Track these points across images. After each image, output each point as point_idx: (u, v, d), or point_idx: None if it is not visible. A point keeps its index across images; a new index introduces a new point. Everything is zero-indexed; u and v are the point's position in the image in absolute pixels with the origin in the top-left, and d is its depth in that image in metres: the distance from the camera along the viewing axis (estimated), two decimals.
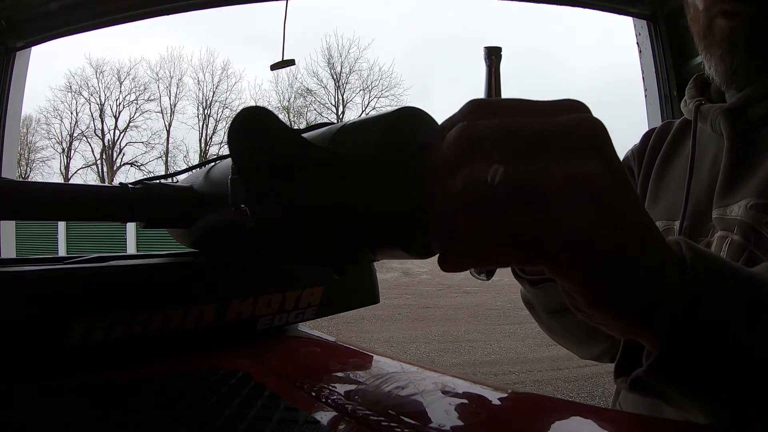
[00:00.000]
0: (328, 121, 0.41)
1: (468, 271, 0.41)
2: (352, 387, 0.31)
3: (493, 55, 0.36)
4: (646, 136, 0.59)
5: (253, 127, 0.27)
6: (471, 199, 0.20)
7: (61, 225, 9.46)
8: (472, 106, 0.22)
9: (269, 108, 0.27)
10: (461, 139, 0.21)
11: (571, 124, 0.21)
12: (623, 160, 0.61)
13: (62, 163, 15.94)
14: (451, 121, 0.23)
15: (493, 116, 0.22)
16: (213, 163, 0.41)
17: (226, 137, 0.28)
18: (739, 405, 0.23)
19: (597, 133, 0.21)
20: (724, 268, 0.23)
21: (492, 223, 0.20)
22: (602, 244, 0.20)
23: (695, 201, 0.48)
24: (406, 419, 0.25)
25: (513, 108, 0.22)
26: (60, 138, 15.80)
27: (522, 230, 0.20)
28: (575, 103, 0.22)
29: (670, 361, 0.23)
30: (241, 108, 0.27)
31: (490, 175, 0.20)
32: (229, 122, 0.27)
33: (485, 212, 0.20)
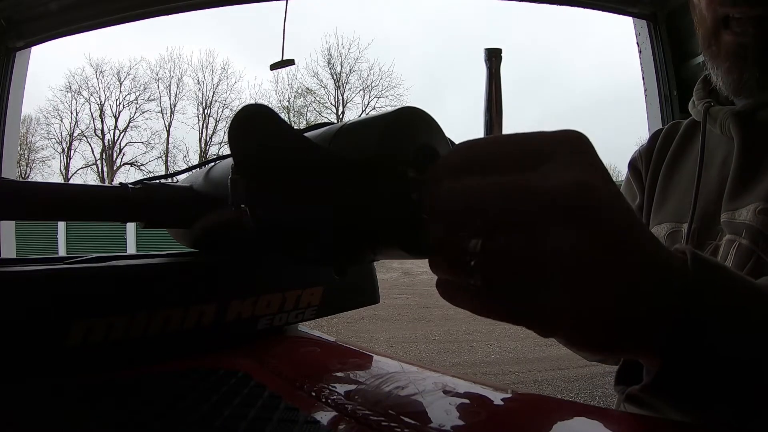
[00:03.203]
0: (328, 121, 0.41)
1: None
2: (352, 387, 0.31)
3: (493, 57, 0.36)
4: (654, 137, 0.59)
5: (255, 125, 0.26)
6: (454, 263, 0.22)
7: (61, 225, 9.46)
8: (455, 160, 0.23)
9: (269, 107, 0.27)
10: (441, 204, 0.22)
11: (558, 188, 0.20)
12: (630, 161, 0.60)
13: (62, 163, 15.97)
14: (438, 171, 0.23)
15: (476, 171, 0.22)
16: (213, 163, 0.41)
17: (226, 137, 0.28)
18: (737, 418, 0.23)
19: (585, 197, 0.20)
20: (732, 290, 0.23)
21: (471, 287, 0.22)
22: (588, 316, 0.20)
23: (704, 204, 0.47)
24: (406, 419, 0.25)
25: (497, 162, 0.22)
26: (60, 138, 15.84)
27: (498, 303, 0.22)
28: (572, 139, 0.21)
29: (669, 381, 0.22)
30: (242, 107, 0.27)
31: (471, 247, 0.21)
32: (230, 121, 0.27)
33: (467, 276, 0.22)
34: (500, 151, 0.22)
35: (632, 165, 0.60)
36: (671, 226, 0.51)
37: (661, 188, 0.54)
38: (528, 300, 0.21)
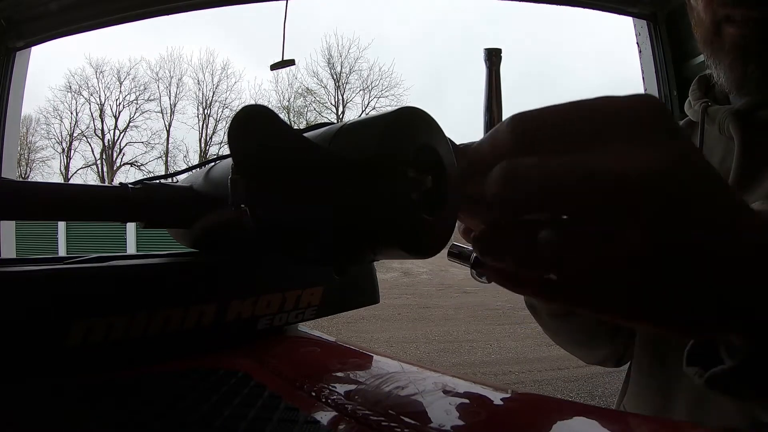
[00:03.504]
0: (328, 121, 0.41)
1: (468, 272, 0.41)
2: (352, 387, 0.31)
3: (493, 56, 0.36)
4: None
5: (254, 126, 0.26)
6: (517, 252, 0.20)
7: (61, 225, 9.45)
8: (516, 132, 0.20)
9: (269, 107, 0.27)
10: (505, 184, 0.19)
11: (638, 175, 0.17)
12: None
13: (62, 163, 15.97)
14: (493, 143, 0.21)
15: (541, 146, 0.19)
16: (213, 163, 0.41)
17: (226, 137, 0.28)
18: None
19: (666, 185, 0.17)
20: None
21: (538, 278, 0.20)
22: (664, 304, 0.19)
23: None
24: (406, 419, 0.25)
25: (564, 133, 0.19)
26: (60, 138, 15.85)
27: (569, 293, 0.20)
28: (648, 107, 0.19)
29: (756, 365, 0.20)
30: (241, 107, 0.27)
31: (540, 238, 0.19)
32: (229, 121, 0.27)
33: (534, 266, 0.20)
34: (565, 120, 0.19)
35: None
36: None
37: None
38: (604, 289, 0.19)
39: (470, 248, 0.41)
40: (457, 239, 0.43)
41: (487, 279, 0.40)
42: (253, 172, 0.28)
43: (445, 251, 0.34)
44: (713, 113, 0.49)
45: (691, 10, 0.48)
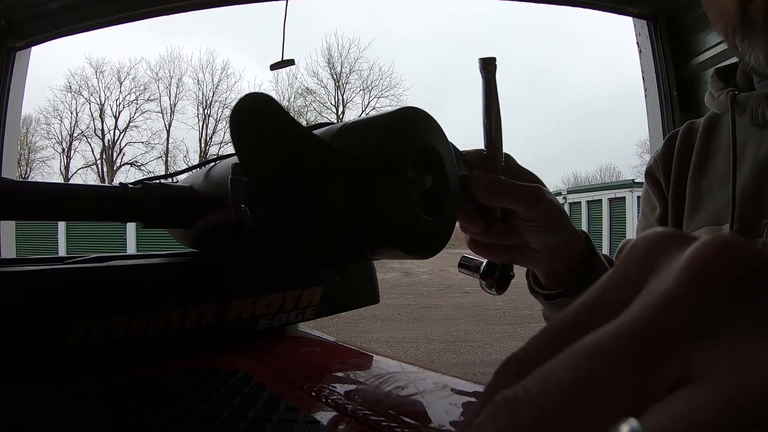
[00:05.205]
0: (328, 121, 0.41)
1: (476, 280, 0.41)
2: (352, 387, 0.31)
3: (489, 66, 0.36)
4: (670, 141, 0.54)
5: (258, 114, 0.26)
6: None
7: (61, 225, 9.45)
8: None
9: (270, 96, 0.27)
10: None
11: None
12: (647, 170, 0.55)
13: (62, 163, 15.97)
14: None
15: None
16: (213, 163, 0.41)
17: (226, 137, 0.28)
18: None
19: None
20: None
21: None
22: None
23: (742, 199, 0.44)
24: (406, 419, 0.25)
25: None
26: (60, 138, 15.84)
27: None
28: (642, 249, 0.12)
29: None
30: (242, 95, 0.27)
31: None
32: (232, 107, 0.27)
33: None
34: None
35: (649, 174, 0.55)
36: (710, 231, 0.47)
37: (692, 193, 0.50)
38: None
39: (480, 259, 0.41)
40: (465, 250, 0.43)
41: (497, 291, 0.41)
42: (254, 160, 0.28)
43: (445, 252, 0.34)
44: (743, 101, 0.45)
45: (708, 4, 0.44)
